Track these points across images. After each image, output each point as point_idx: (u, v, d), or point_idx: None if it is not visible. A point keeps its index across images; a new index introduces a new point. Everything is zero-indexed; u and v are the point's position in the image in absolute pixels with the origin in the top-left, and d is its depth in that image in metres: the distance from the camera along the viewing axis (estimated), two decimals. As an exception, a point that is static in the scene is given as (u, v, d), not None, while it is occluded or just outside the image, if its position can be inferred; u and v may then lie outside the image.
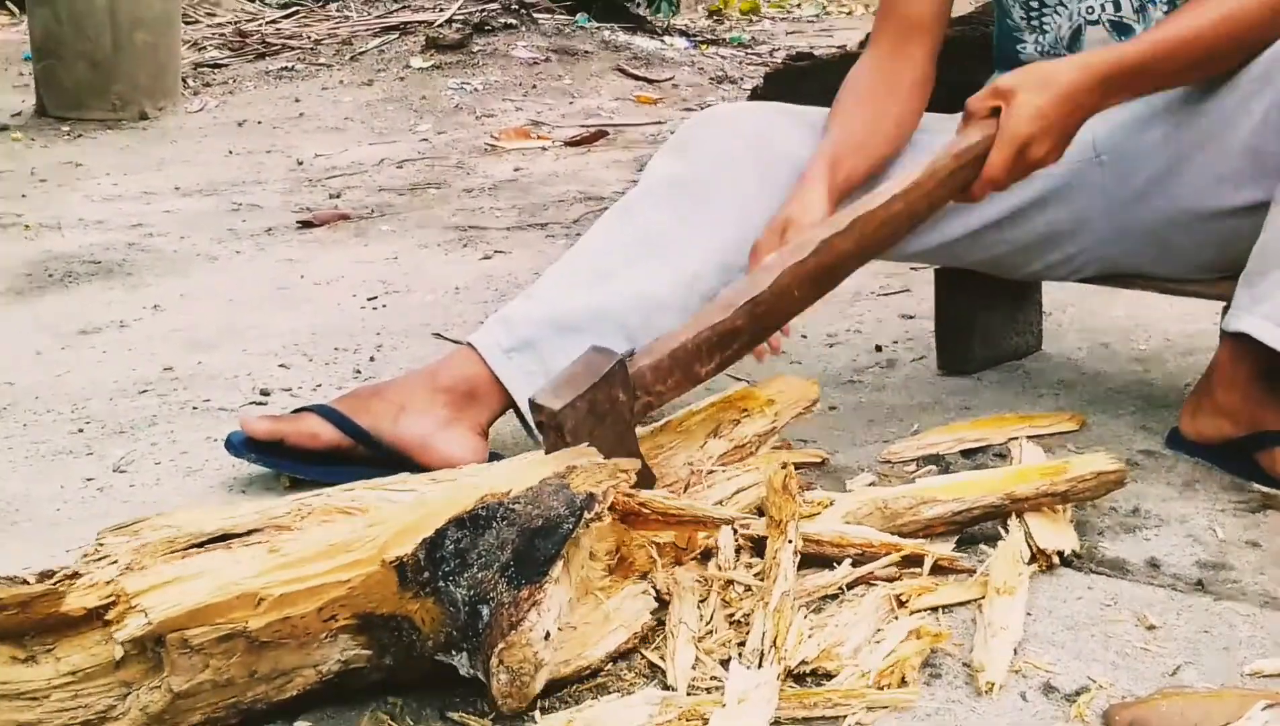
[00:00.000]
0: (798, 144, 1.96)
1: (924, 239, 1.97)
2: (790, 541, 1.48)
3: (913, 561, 1.52)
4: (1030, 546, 1.56)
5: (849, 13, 12.77)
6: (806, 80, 4.36)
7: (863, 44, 4.94)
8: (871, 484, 1.79)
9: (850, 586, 1.48)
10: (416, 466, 1.80)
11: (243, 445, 1.88)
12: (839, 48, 6.07)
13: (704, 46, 8.25)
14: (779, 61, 5.40)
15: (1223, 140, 1.81)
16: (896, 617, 1.41)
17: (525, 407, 1.84)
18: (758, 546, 1.53)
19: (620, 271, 1.90)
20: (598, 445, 1.48)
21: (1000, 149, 1.72)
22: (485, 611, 1.24)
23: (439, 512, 1.29)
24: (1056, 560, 1.55)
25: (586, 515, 1.31)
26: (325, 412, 1.89)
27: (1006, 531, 1.58)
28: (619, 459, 1.43)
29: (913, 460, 1.92)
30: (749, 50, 8.47)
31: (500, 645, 1.22)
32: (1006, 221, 1.99)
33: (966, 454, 1.93)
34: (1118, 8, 1.91)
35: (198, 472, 1.98)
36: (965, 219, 1.98)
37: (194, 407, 2.25)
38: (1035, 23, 1.99)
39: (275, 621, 1.24)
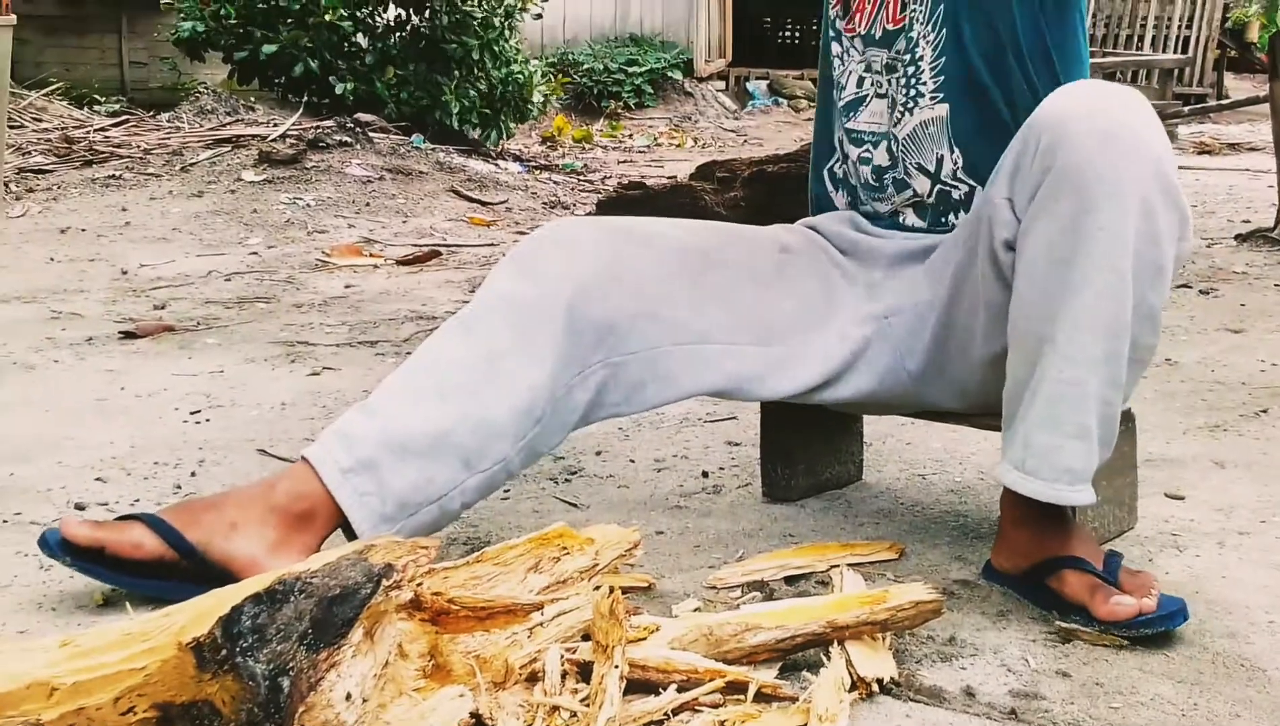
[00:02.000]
0: (644, 264, 1.99)
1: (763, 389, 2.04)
2: (616, 667, 1.47)
3: (737, 688, 1.53)
4: (850, 674, 1.58)
5: (679, 145, 13.05)
6: (638, 207, 4.46)
7: (692, 176, 5.08)
8: (697, 609, 1.80)
9: (675, 712, 1.48)
10: (239, 585, 1.76)
11: (59, 547, 1.79)
12: (670, 178, 6.20)
13: (537, 172, 8.35)
14: (611, 189, 5.50)
15: (967, 296, 1.93)
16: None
17: (362, 530, 1.84)
18: (583, 671, 1.53)
19: (460, 393, 1.89)
20: None
21: None
22: (285, 683, 1.23)
23: (236, 594, 1.28)
24: (876, 688, 1.58)
25: (385, 583, 1.31)
26: (152, 523, 1.82)
27: (828, 659, 1.60)
28: (417, 539, 1.42)
29: (738, 586, 1.94)
30: (581, 177, 8.60)
31: (300, 709, 1.20)
32: (821, 386, 2.06)
33: (789, 580, 1.96)
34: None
35: (6, 588, 1.91)
36: (791, 378, 2.03)
37: (4, 520, 2.18)
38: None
39: (69, 713, 1.21)
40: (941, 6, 2.00)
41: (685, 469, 2.55)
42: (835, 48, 2.17)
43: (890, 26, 2.07)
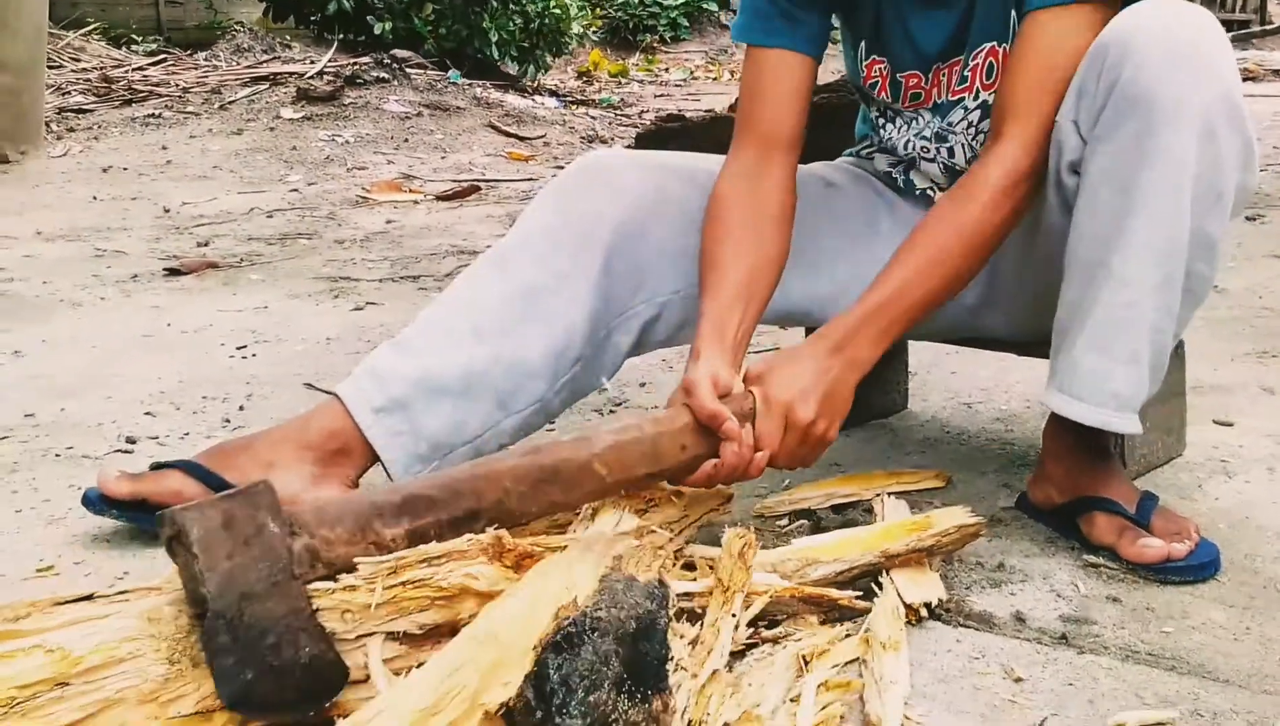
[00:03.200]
0: (681, 201, 1.97)
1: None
2: (734, 615, 1.46)
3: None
4: (901, 600, 1.59)
5: (715, 78, 12.99)
6: (677, 141, 4.44)
7: (732, 107, 5.04)
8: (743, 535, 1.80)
9: (750, 645, 1.49)
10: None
11: (102, 503, 1.81)
12: (707, 111, 6.16)
13: (573, 107, 8.32)
14: (649, 122, 5.46)
15: (1027, 223, 1.87)
16: (803, 675, 1.42)
17: (396, 471, 1.84)
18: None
19: (493, 331, 1.87)
20: (243, 575, 1.24)
21: (767, 418, 1.67)
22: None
23: (521, 642, 1.18)
24: (925, 613, 1.58)
25: (669, 602, 1.25)
26: (189, 468, 1.82)
27: (880, 587, 1.61)
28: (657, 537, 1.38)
29: (784, 515, 1.94)
30: (618, 111, 8.56)
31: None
32: None
33: (836, 509, 1.96)
34: (950, 154, 1.99)
35: (60, 520, 1.93)
36: (836, 306, 1.98)
37: (56, 455, 2.20)
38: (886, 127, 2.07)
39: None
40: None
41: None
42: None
43: (950, 97, 1.98)
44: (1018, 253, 1.93)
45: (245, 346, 2.92)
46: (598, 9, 14.15)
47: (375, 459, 1.86)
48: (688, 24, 15.79)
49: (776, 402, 1.67)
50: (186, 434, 2.31)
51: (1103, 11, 1.75)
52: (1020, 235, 1.88)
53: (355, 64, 7.20)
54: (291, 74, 6.99)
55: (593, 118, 7.46)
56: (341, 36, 8.63)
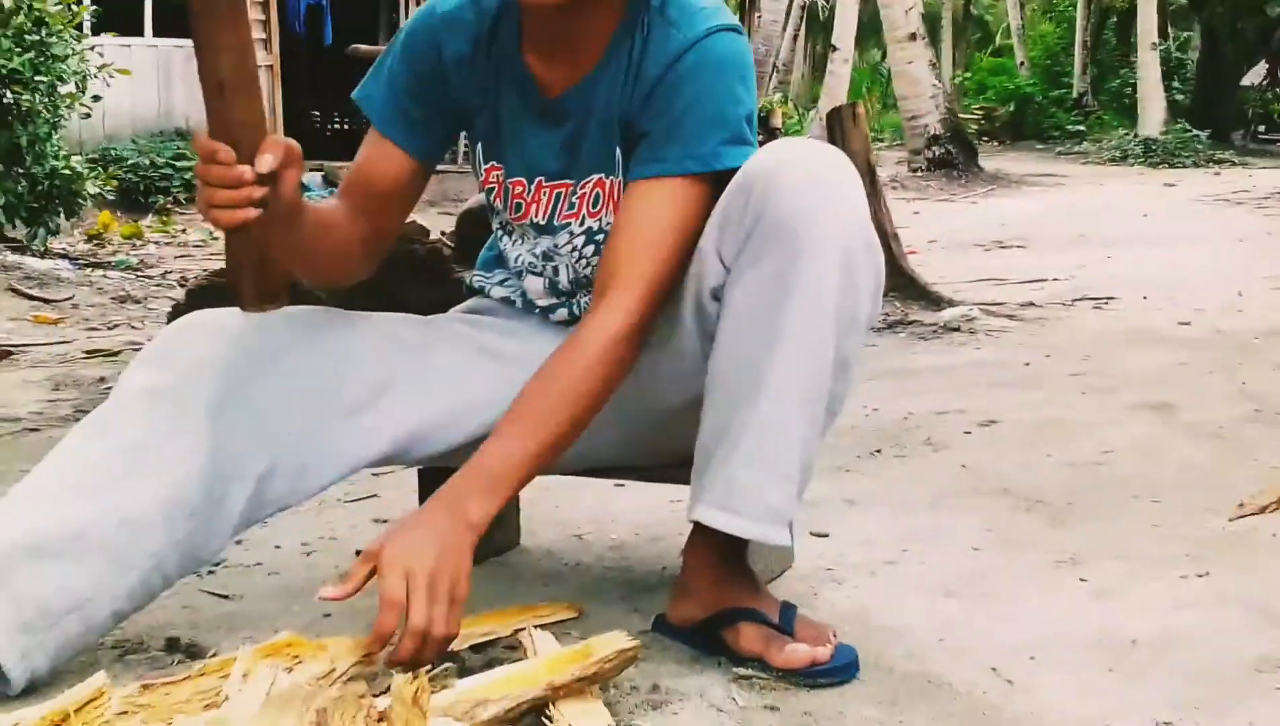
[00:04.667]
0: (288, 340, 1.90)
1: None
2: None
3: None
4: (572, 733, 1.55)
5: (233, 238, 12.70)
6: (229, 296, 4.29)
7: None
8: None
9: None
10: None
11: None
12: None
13: (89, 270, 7.96)
14: (196, 278, 5.26)
15: (669, 345, 1.93)
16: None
17: (-1, 643, 1.66)
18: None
19: (98, 489, 1.73)
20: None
21: (386, 577, 1.67)
22: None
23: None
24: (599, 743, 1.56)
25: None
26: None
27: (550, 721, 1.57)
28: None
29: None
30: (139, 273, 8.24)
31: None
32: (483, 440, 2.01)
33: (475, 649, 1.91)
34: (555, 272, 2.04)
35: None
36: (455, 433, 1.99)
37: None
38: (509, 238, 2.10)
39: None
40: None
41: (337, 550, 2.45)
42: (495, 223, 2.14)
43: (556, 221, 2.02)
44: (642, 380, 1.96)
45: None
46: (108, 170, 13.62)
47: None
48: (202, 185, 15.47)
49: (391, 563, 1.67)
50: None
51: (701, 185, 1.84)
52: (643, 362, 1.92)
53: None
54: None
55: (121, 279, 7.14)
56: None
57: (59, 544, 1.70)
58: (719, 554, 1.88)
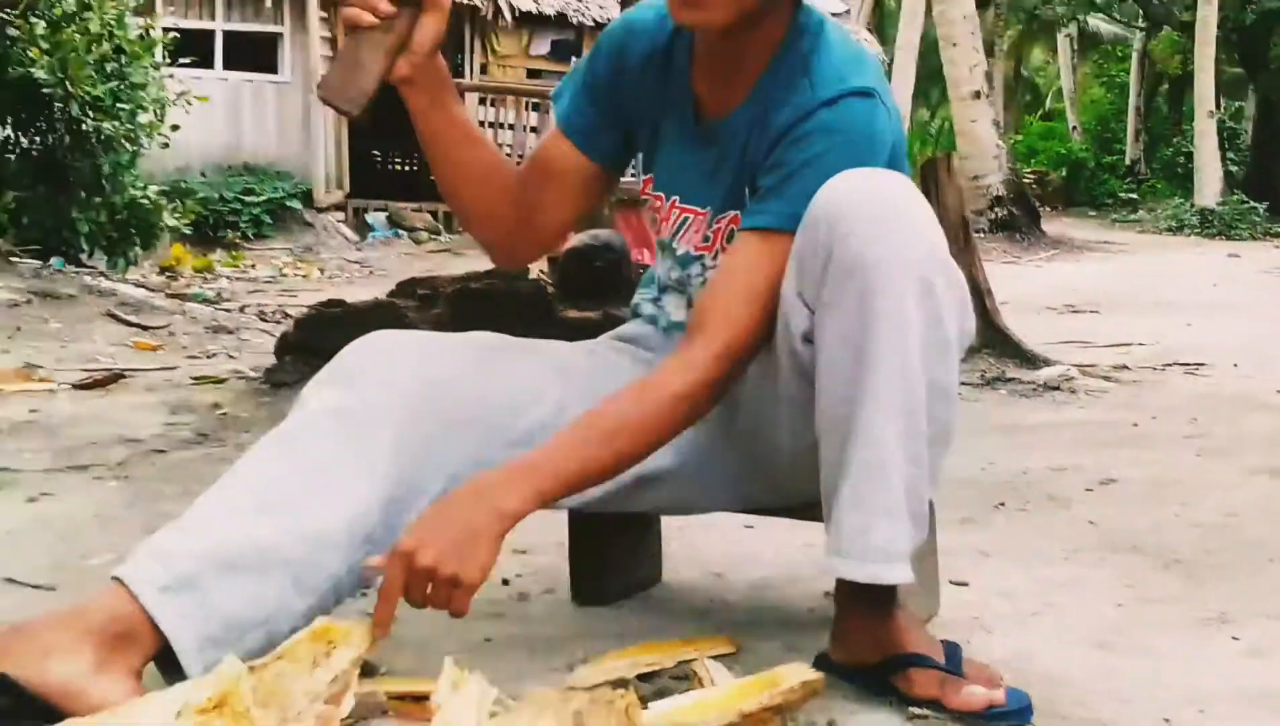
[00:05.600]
0: (465, 369, 1.94)
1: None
2: None
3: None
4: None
5: (305, 276, 12.82)
6: (340, 326, 4.35)
7: (391, 293, 5.01)
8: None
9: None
10: (62, 717, 1.59)
11: None
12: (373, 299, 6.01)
13: (169, 301, 8.05)
14: (307, 309, 5.28)
15: (766, 393, 1.96)
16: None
17: (185, 653, 1.69)
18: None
19: (285, 505, 1.76)
20: None
21: (390, 563, 1.71)
22: None
23: None
24: (788, 773, 1.58)
25: None
26: None
27: (741, 749, 1.59)
28: None
29: (599, 685, 1.89)
30: (216, 306, 8.34)
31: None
32: (645, 484, 2.03)
33: (643, 678, 1.93)
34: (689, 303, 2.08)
35: None
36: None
37: None
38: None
39: None
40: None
41: (482, 577, 2.47)
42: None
43: (692, 251, 2.06)
44: (766, 424, 1.99)
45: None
46: (183, 203, 13.81)
47: (162, 645, 1.71)
48: (271, 220, 15.63)
49: (400, 548, 1.69)
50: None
51: None
52: (752, 411, 1.98)
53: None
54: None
55: (207, 310, 7.23)
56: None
57: (248, 557, 1.72)
58: (861, 597, 1.88)
